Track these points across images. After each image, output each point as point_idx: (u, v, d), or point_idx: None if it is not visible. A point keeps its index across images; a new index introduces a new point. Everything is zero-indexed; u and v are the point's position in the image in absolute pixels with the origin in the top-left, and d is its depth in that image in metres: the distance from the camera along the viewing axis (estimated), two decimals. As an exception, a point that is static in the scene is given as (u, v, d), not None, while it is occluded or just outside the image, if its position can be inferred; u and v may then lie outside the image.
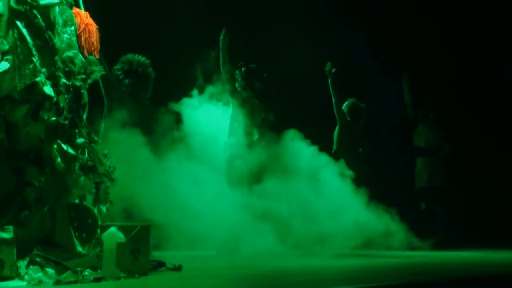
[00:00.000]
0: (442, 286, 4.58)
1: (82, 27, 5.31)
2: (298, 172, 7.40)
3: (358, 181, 7.66)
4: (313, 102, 9.10)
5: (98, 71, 5.20)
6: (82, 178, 4.96)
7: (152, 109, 7.17)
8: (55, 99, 4.83)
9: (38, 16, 4.86)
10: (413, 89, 9.40)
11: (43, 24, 4.89)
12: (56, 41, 4.98)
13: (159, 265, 5.19)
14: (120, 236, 4.57)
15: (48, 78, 4.85)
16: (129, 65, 7.12)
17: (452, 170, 9.13)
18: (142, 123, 6.63)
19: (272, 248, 6.83)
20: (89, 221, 4.96)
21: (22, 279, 4.32)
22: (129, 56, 7.17)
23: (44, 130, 4.78)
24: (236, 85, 7.86)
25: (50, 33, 4.93)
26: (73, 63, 5.03)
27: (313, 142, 7.69)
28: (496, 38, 10.17)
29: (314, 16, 9.55)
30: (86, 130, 5.17)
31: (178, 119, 7.31)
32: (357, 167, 7.98)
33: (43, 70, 4.84)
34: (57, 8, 5.04)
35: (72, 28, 5.15)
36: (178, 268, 5.20)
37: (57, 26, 5.02)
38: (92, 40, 5.39)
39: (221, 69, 7.75)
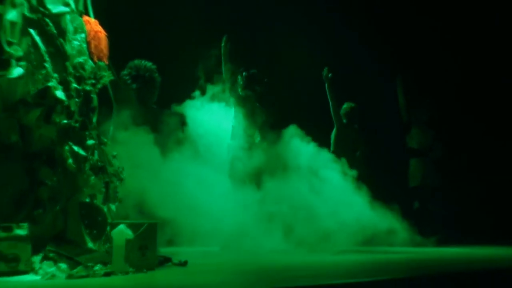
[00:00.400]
0: (440, 281, 4.60)
1: (92, 34, 5.35)
2: (301, 170, 7.36)
3: (356, 182, 7.66)
4: (313, 104, 9.09)
5: (107, 76, 5.25)
6: (93, 178, 5.00)
7: (159, 112, 7.20)
8: (66, 103, 4.88)
9: (50, 24, 4.91)
10: (407, 92, 9.41)
11: (55, 31, 4.93)
12: (67, 47, 5.02)
13: (165, 260, 5.21)
14: (129, 233, 4.61)
15: (59, 83, 4.90)
16: (136, 70, 7.15)
17: (443, 169, 9.13)
18: (149, 125, 6.65)
19: (275, 245, 6.80)
20: (99, 218, 5.00)
21: (36, 273, 4.36)
22: (136, 61, 7.20)
23: (56, 133, 4.83)
24: (238, 89, 7.86)
25: (61, 40, 4.98)
26: (84, 69, 5.07)
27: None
28: (496, 38, 10.09)
29: (314, 17, 9.53)
30: (96, 132, 5.20)
31: (182, 120, 7.31)
32: (354, 169, 7.98)
33: (55, 75, 4.89)
34: (68, 17, 5.08)
35: (83, 35, 5.20)
36: (183, 264, 5.21)
37: (68, 34, 5.06)
38: (101, 46, 5.43)
39: (223, 74, 7.74)
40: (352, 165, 7.94)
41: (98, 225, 4.97)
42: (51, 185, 4.74)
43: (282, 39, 9.21)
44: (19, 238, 4.37)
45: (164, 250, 5.50)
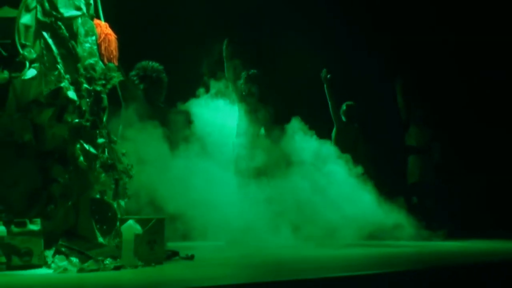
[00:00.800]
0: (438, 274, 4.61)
1: (102, 37, 5.37)
2: (306, 165, 7.32)
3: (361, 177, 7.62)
4: (313, 103, 9.05)
5: (116, 77, 5.26)
6: (103, 175, 5.02)
7: (166, 111, 7.20)
8: (78, 102, 4.90)
9: (62, 27, 4.93)
10: (406, 91, 9.39)
11: (67, 34, 4.95)
12: (79, 49, 5.04)
13: (173, 254, 5.23)
14: (138, 228, 4.63)
15: (71, 83, 4.92)
16: (144, 71, 7.14)
17: (441, 166, 9.12)
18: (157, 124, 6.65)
19: (281, 239, 6.75)
20: (109, 214, 5.02)
21: (49, 267, 4.40)
22: (144, 62, 7.20)
23: (68, 131, 4.85)
24: (241, 89, 7.82)
25: (73, 42, 4.99)
26: (94, 70, 5.08)
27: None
28: (496, 38, 10.03)
29: (315, 18, 9.50)
30: (106, 131, 5.21)
31: (189, 118, 7.29)
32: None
33: (67, 76, 4.91)
34: (79, 20, 5.09)
35: (93, 37, 5.21)
36: (190, 258, 5.23)
37: (79, 36, 5.08)
38: (111, 48, 5.45)
39: (226, 75, 7.71)
40: (353, 163, 7.91)
41: (108, 220, 5.00)
42: (63, 182, 4.76)
43: (284, 39, 9.19)
44: (32, 233, 4.41)
45: (171, 245, 5.51)
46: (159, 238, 4.85)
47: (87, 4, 5.22)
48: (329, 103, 8.78)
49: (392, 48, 9.96)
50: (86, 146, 4.93)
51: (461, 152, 9.59)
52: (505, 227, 8.76)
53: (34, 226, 4.43)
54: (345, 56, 9.47)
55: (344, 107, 9.03)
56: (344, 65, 9.20)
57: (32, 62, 4.76)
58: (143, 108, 6.86)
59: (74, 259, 4.47)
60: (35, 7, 4.85)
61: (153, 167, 5.99)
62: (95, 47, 5.21)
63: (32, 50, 4.77)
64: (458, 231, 8.39)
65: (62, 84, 4.83)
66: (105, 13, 5.52)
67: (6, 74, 4.72)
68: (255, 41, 9.21)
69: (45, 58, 4.82)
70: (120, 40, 5.57)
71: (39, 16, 4.84)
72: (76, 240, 4.71)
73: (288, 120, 7.68)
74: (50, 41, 4.86)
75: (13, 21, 4.80)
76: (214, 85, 7.64)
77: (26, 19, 4.82)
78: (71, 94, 4.86)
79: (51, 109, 4.78)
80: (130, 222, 4.65)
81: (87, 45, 5.14)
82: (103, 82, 5.14)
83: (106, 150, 5.14)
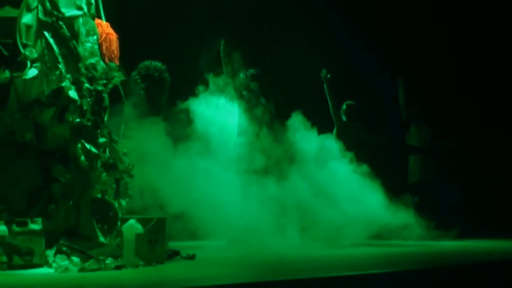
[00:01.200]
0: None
1: (103, 36, 5.35)
2: (310, 162, 7.29)
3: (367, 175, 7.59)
4: (313, 103, 9.03)
5: (118, 77, 5.25)
6: (104, 174, 5.01)
7: (168, 111, 7.17)
8: (79, 102, 4.89)
9: (64, 27, 4.92)
10: (407, 91, 9.39)
11: (68, 34, 4.94)
12: (80, 49, 5.03)
13: (174, 254, 5.23)
14: (139, 228, 4.62)
15: (72, 83, 4.91)
16: (146, 71, 7.13)
17: (442, 166, 9.10)
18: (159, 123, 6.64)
19: (285, 239, 6.71)
20: (110, 214, 5.01)
21: (50, 266, 4.39)
22: (146, 62, 7.18)
23: (69, 131, 4.84)
24: (240, 88, 7.79)
25: (74, 42, 4.98)
26: (95, 70, 5.08)
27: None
28: (496, 38, 10.01)
29: (314, 17, 9.49)
30: (107, 130, 5.20)
31: (190, 117, 7.27)
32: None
33: (68, 76, 4.90)
34: (80, 20, 5.08)
35: (94, 37, 5.20)
36: (192, 257, 5.23)
37: (80, 36, 5.07)
38: (113, 48, 5.44)
39: (225, 75, 7.66)
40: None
41: (109, 220, 4.99)
42: (64, 181, 4.76)
43: (284, 38, 9.17)
44: (34, 233, 4.40)
45: (172, 244, 5.51)
46: (160, 237, 4.85)
47: (88, 4, 5.21)
48: (329, 102, 8.78)
49: (392, 48, 9.94)
50: (87, 146, 4.92)
51: (462, 152, 9.57)
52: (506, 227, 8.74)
53: (35, 226, 4.43)
54: (345, 55, 9.45)
55: (344, 106, 9.03)
56: (344, 65, 9.18)
57: (33, 61, 4.75)
58: (145, 108, 6.85)
59: (75, 259, 4.47)
60: (36, 7, 4.85)
61: (156, 165, 5.98)
62: (96, 46, 5.20)
63: (33, 50, 4.77)
64: (468, 231, 8.36)
65: (63, 84, 4.82)
66: (106, 13, 5.51)
67: (7, 73, 4.72)
68: (254, 41, 9.18)
69: (47, 57, 4.81)
70: (121, 39, 5.55)
71: (40, 15, 4.84)
72: (77, 240, 4.70)
73: (289, 117, 7.65)
74: (51, 40, 4.85)
75: (15, 20, 4.80)
76: (214, 81, 7.57)
77: (27, 18, 4.82)
78: (72, 93, 4.86)
79: (52, 108, 4.78)
80: (131, 221, 4.64)
81: (88, 44, 5.13)
82: (104, 81, 5.13)
83: (107, 149, 5.13)
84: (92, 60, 5.09)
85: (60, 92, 4.79)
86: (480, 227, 8.70)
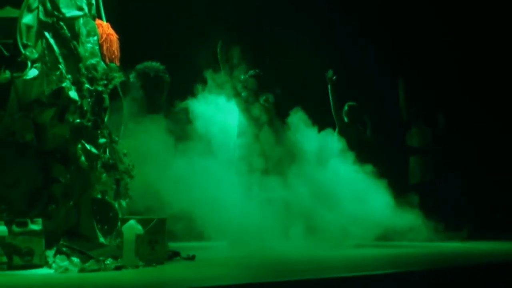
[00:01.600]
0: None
1: (104, 37, 5.35)
2: (313, 161, 7.25)
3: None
4: (314, 103, 9.02)
5: (118, 77, 5.25)
6: (104, 175, 5.01)
7: (167, 110, 7.17)
8: (79, 103, 4.89)
9: (64, 27, 4.92)
10: (408, 92, 9.40)
11: (69, 34, 4.94)
12: (80, 50, 5.02)
13: (174, 255, 5.22)
14: (139, 228, 4.62)
15: (73, 83, 4.91)
16: (146, 71, 7.14)
17: (442, 167, 9.10)
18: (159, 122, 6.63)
19: (289, 239, 6.69)
20: (111, 214, 5.01)
21: (50, 267, 4.39)
22: (146, 63, 7.20)
23: (69, 131, 4.84)
24: (239, 89, 7.76)
25: (75, 42, 4.98)
26: (96, 70, 5.07)
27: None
28: (497, 39, 10.00)
29: (314, 17, 9.49)
30: (107, 131, 5.21)
31: (191, 116, 7.26)
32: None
33: (69, 76, 4.90)
34: (81, 20, 5.08)
35: (95, 38, 5.19)
36: (192, 258, 5.22)
37: (81, 36, 5.06)
38: (113, 49, 5.44)
39: (223, 77, 7.62)
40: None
41: (109, 220, 4.99)
42: (64, 182, 4.76)
43: (284, 38, 9.17)
44: (34, 233, 4.40)
45: (172, 245, 5.50)
46: (160, 238, 4.85)
47: (89, 4, 5.21)
48: (331, 103, 8.77)
49: (393, 48, 9.94)
50: (88, 146, 4.92)
51: (463, 151, 9.56)
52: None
53: (35, 226, 4.42)
54: (346, 56, 9.45)
55: (346, 107, 9.02)
56: (345, 65, 9.17)
57: (34, 62, 4.75)
58: (144, 107, 6.85)
59: (75, 259, 4.46)
60: (37, 7, 4.85)
61: (157, 165, 5.98)
62: (96, 47, 5.20)
63: (34, 50, 4.77)
64: (477, 232, 8.33)
65: (63, 84, 4.82)
66: (107, 14, 5.50)
67: (8, 74, 4.71)
68: (254, 40, 9.17)
69: (47, 58, 4.81)
70: (121, 40, 5.55)
71: (41, 16, 4.84)
72: (77, 240, 4.71)
73: (288, 115, 7.63)
74: (52, 41, 4.85)
75: (15, 21, 4.79)
76: (213, 78, 7.53)
77: (28, 19, 4.81)
78: (73, 94, 4.86)
79: (52, 109, 4.78)
80: (131, 222, 4.64)
81: (89, 45, 5.12)
82: (105, 82, 5.13)
83: (107, 150, 5.13)
84: (93, 61, 5.09)
85: (60, 93, 4.79)
86: (488, 227, 8.67)
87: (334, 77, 8.67)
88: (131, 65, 7.00)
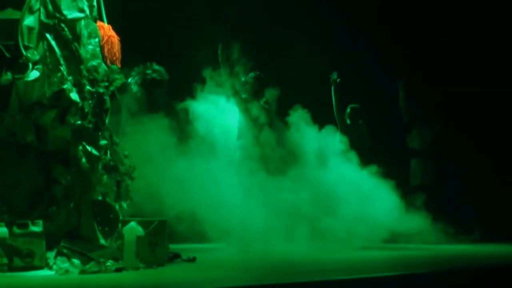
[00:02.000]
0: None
1: (105, 39, 5.36)
2: (315, 162, 7.26)
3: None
4: (314, 103, 9.01)
5: (119, 79, 5.24)
6: (105, 176, 5.01)
7: (167, 111, 7.16)
8: (80, 104, 4.89)
9: (66, 29, 4.92)
10: (408, 94, 9.40)
11: (70, 36, 4.94)
12: (82, 51, 5.03)
13: (175, 256, 5.24)
14: (139, 230, 4.63)
15: (74, 85, 4.91)
16: (144, 72, 7.14)
17: (443, 169, 9.09)
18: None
19: (294, 241, 6.68)
20: (111, 216, 5.01)
21: (50, 268, 4.39)
22: (146, 64, 7.19)
23: (70, 133, 4.84)
24: (240, 92, 7.75)
25: (76, 44, 4.98)
26: (97, 72, 5.08)
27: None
28: (498, 40, 9.99)
29: (315, 18, 9.49)
30: (108, 132, 5.21)
31: (191, 117, 7.25)
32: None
33: (70, 78, 4.90)
34: (82, 22, 5.08)
35: (96, 39, 5.19)
36: (192, 260, 5.23)
37: (82, 38, 5.07)
38: (114, 50, 5.44)
39: (223, 79, 7.62)
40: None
41: (110, 222, 4.99)
42: (65, 183, 4.76)
43: (286, 40, 9.17)
44: (34, 235, 4.40)
45: (173, 247, 5.50)
46: (160, 240, 4.84)
47: (90, 6, 5.22)
48: (334, 105, 8.78)
49: (394, 51, 9.94)
50: (88, 148, 4.92)
51: (462, 153, 9.55)
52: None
53: (36, 228, 4.42)
54: (347, 58, 9.44)
55: (348, 109, 9.03)
56: (346, 68, 9.17)
57: (35, 63, 4.75)
58: (144, 108, 6.85)
59: (76, 261, 4.47)
60: (39, 9, 4.85)
61: (158, 166, 5.98)
62: (98, 49, 5.20)
63: (35, 52, 4.77)
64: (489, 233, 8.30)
65: (64, 86, 4.82)
66: (108, 15, 5.50)
67: (9, 75, 4.71)
68: (254, 41, 9.16)
69: (48, 59, 4.81)
70: (121, 40, 5.55)
71: (42, 18, 4.84)
72: (78, 242, 4.70)
73: (288, 115, 7.63)
74: (53, 43, 4.85)
75: (17, 23, 4.79)
76: (213, 78, 7.51)
77: (29, 21, 4.81)
78: (74, 95, 4.86)
79: (53, 110, 4.77)
80: (132, 224, 4.65)
81: (90, 47, 5.13)
82: (106, 84, 5.13)
83: (108, 151, 5.14)
84: (94, 63, 5.10)
85: (61, 94, 4.79)
86: (501, 229, 8.63)
87: (338, 80, 8.69)
88: (131, 66, 6.99)
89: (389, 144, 9.27)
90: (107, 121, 5.20)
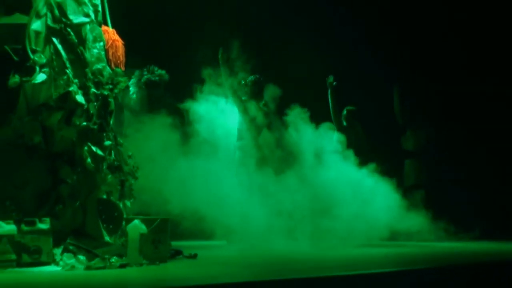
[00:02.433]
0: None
1: (109, 43, 5.43)
2: (314, 161, 7.25)
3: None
4: (314, 103, 9.04)
5: (123, 82, 5.30)
6: (109, 176, 5.09)
7: (168, 112, 7.20)
8: (86, 106, 4.96)
9: (72, 33, 4.98)
10: (403, 98, 9.44)
11: (76, 40, 5.01)
12: (87, 55, 5.09)
13: (177, 253, 5.29)
14: (143, 228, 4.68)
15: (79, 88, 4.98)
16: (146, 74, 7.20)
17: (436, 169, 9.13)
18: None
19: (295, 239, 6.69)
20: (116, 214, 5.09)
21: (57, 264, 4.46)
22: (148, 66, 7.25)
23: (76, 134, 4.91)
24: (240, 94, 7.78)
25: (81, 48, 5.05)
26: (102, 75, 5.14)
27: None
28: (497, 42, 10.01)
29: (315, 20, 9.51)
30: (112, 133, 5.27)
31: (191, 117, 7.29)
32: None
33: (76, 80, 4.97)
34: (88, 26, 5.15)
35: (101, 43, 5.26)
36: (194, 256, 5.29)
37: (88, 42, 5.13)
38: (119, 54, 5.51)
39: (223, 81, 7.65)
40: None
41: (114, 220, 5.06)
42: (71, 183, 4.83)
43: (286, 42, 9.20)
44: (42, 232, 4.47)
45: (175, 244, 5.55)
46: (163, 237, 4.90)
47: (96, 11, 5.27)
48: (331, 107, 8.79)
49: (390, 53, 9.97)
50: (94, 148, 4.98)
51: (458, 156, 9.59)
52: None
53: (43, 225, 4.49)
54: (344, 61, 9.47)
55: (345, 111, 9.05)
56: (342, 70, 9.21)
57: (42, 66, 4.81)
58: (145, 110, 6.90)
59: (82, 257, 4.53)
60: (45, 14, 4.91)
61: (160, 165, 6.03)
62: (103, 52, 5.27)
63: (42, 55, 4.83)
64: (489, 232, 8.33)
65: (70, 88, 4.88)
66: (113, 20, 5.57)
67: (17, 78, 4.77)
68: (255, 42, 9.20)
69: (55, 63, 4.88)
70: (126, 45, 5.62)
71: (49, 22, 4.90)
72: (84, 239, 4.77)
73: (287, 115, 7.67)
74: (59, 46, 4.91)
75: (24, 27, 4.86)
76: (213, 78, 7.54)
77: (36, 25, 4.88)
78: (80, 98, 4.92)
79: (60, 112, 4.84)
80: (136, 221, 4.70)
81: (95, 50, 5.19)
82: (110, 86, 5.19)
83: (112, 152, 5.20)
84: (99, 66, 5.16)
85: (67, 97, 4.86)
86: (503, 227, 8.66)
87: (335, 83, 8.71)
88: (131, 66, 7.04)
89: (384, 145, 9.30)
90: (111, 122, 5.27)
